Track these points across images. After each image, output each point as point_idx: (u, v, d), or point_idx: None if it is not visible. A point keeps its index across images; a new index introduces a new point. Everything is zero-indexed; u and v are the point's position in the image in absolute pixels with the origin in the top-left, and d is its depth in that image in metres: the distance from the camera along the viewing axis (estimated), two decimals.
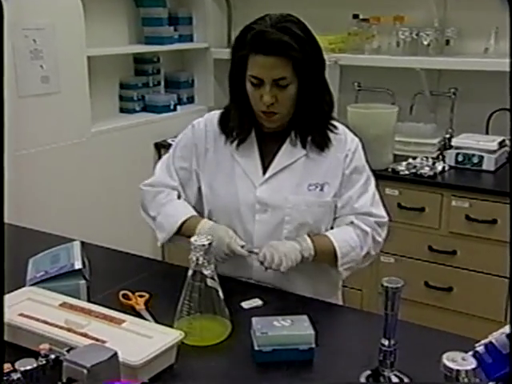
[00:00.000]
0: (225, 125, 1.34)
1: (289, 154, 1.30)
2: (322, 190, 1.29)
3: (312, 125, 1.29)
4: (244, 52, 1.22)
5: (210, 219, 1.35)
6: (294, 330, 1.03)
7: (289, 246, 1.24)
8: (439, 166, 2.29)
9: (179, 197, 1.39)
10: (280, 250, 1.22)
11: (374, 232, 1.32)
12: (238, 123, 1.31)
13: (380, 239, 1.34)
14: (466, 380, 0.75)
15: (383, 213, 1.35)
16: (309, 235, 1.27)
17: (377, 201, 1.35)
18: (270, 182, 1.30)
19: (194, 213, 1.34)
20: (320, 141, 1.29)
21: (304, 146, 1.29)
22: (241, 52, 1.24)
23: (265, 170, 1.30)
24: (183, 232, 1.32)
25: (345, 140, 1.32)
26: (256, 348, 1.02)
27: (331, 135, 1.31)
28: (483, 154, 2.27)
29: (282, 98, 1.22)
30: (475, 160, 2.29)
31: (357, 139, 1.35)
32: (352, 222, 1.31)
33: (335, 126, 1.32)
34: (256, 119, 1.29)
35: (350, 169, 1.31)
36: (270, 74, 1.19)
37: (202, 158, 1.35)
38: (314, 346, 1.03)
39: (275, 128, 1.30)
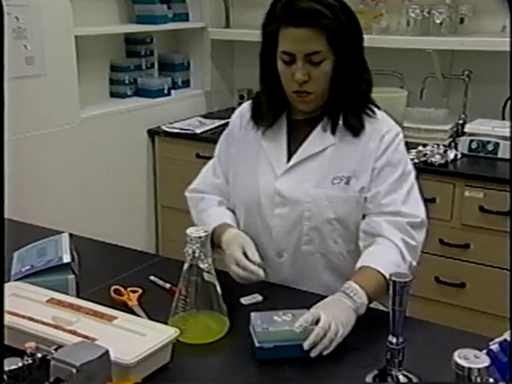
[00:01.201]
0: (255, 110, 1.33)
1: (317, 141, 1.26)
2: (347, 183, 1.24)
3: (347, 106, 1.23)
4: (274, 26, 1.20)
5: (234, 212, 1.36)
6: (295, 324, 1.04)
7: (343, 308, 1.07)
8: (451, 154, 2.28)
9: (224, 203, 1.39)
10: (336, 316, 1.04)
11: (406, 236, 1.22)
12: (267, 107, 1.29)
13: (414, 243, 1.22)
14: (478, 379, 0.75)
15: (418, 212, 1.25)
16: (355, 281, 1.11)
17: (412, 199, 1.25)
18: (292, 172, 1.27)
19: (227, 219, 1.32)
20: (353, 124, 1.23)
21: (333, 132, 1.25)
22: (271, 26, 1.21)
23: (290, 158, 1.28)
24: (215, 241, 1.29)
25: (380, 128, 1.26)
26: (257, 345, 1.02)
27: (367, 120, 1.25)
28: (499, 140, 2.27)
29: (316, 76, 1.19)
30: (490, 147, 2.28)
31: (397, 129, 1.27)
32: (382, 235, 1.21)
33: (373, 111, 1.26)
34: (287, 103, 1.27)
35: (382, 162, 1.24)
36: (302, 48, 1.16)
37: (235, 148, 1.36)
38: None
39: (309, 111, 1.26)
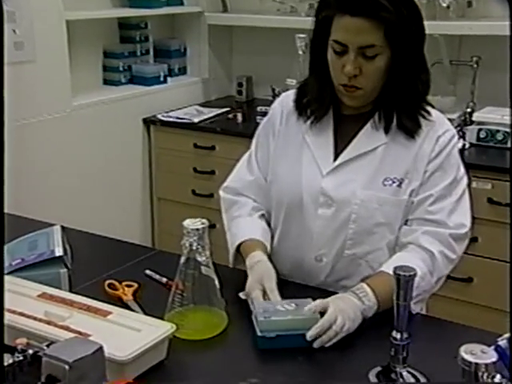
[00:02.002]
0: (300, 100, 1.29)
1: (367, 139, 1.23)
2: (399, 186, 1.21)
3: (401, 107, 1.21)
4: (329, 12, 1.16)
5: (267, 220, 1.33)
6: (298, 314, 1.05)
7: (352, 305, 1.09)
8: (458, 144, 2.27)
9: (259, 210, 1.35)
10: (344, 310, 1.06)
11: (446, 248, 1.21)
12: (315, 98, 1.25)
13: (454, 256, 1.22)
14: (485, 375, 0.75)
15: (464, 221, 1.23)
16: (368, 284, 1.13)
17: (461, 209, 1.23)
18: (339, 170, 1.23)
19: (256, 235, 1.28)
20: (408, 126, 1.21)
21: (387, 132, 1.22)
22: (325, 12, 1.17)
23: (337, 157, 1.24)
24: (242, 255, 1.28)
25: (436, 130, 1.23)
26: (259, 334, 1.04)
27: (422, 122, 1.22)
28: (508, 129, 2.26)
29: (368, 71, 1.15)
30: (499, 137, 2.28)
31: (453, 131, 1.25)
32: (417, 244, 1.20)
33: (428, 112, 1.23)
34: (336, 96, 1.23)
35: (435, 165, 1.21)
36: (357, 40, 1.13)
37: (275, 141, 1.32)
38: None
39: (356, 107, 1.23)
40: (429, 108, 1.24)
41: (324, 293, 1.18)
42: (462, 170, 1.27)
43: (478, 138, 2.32)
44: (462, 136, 2.37)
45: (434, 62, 2.56)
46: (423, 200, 1.22)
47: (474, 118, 2.36)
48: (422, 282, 1.16)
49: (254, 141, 1.40)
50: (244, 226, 1.32)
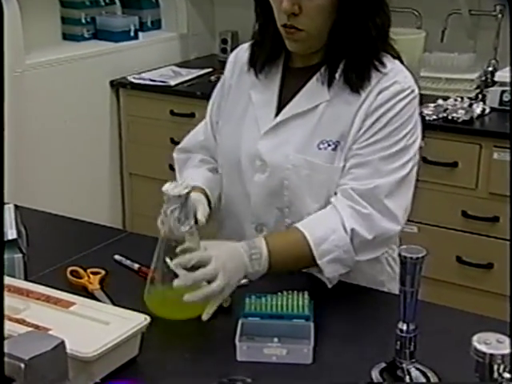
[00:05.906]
0: (253, 52, 1.32)
1: (310, 96, 1.25)
2: (334, 149, 1.22)
3: (350, 57, 1.21)
4: None
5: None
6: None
7: (238, 263, 1.11)
8: (478, 109, 2.29)
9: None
10: (228, 269, 1.08)
11: (353, 203, 1.18)
12: (260, 46, 1.29)
13: (366, 211, 1.17)
14: (501, 367, 0.77)
15: (398, 213, 1.19)
16: (267, 243, 1.15)
17: (400, 196, 1.20)
18: (276, 131, 1.27)
19: (197, 182, 1.30)
20: (354, 79, 1.20)
21: (330, 85, 1.22)
22: None
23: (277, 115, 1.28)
24: None
25: (382, 83, 1.20)
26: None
27: (373, 74, 1.21)
28: None
29: (308, 9, 1.16)
30: None
31: (407, 84, 1.21)
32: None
33: (382, 63, 1.21)
34: (283, 45, 1.25)
35: (369, 122, 1.20)
36: None
37: (225, 99, 1.36)
38: (311, 316, 1.07)
39: (300, 53, 1.25)
40: (385, 59, 1.22)
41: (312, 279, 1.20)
42: (415, 145, 1.22)
43: (501, 102, 2.32)
44: (482, 99, 2.38)
45: (450, 12, 2.57)
46: (354, 177, 1.20)
47: (496, 78, 2.37)
48: (333, 234, 1.16)
49: (211, 98, 1.44)
50: (186, 176, 1.37)
